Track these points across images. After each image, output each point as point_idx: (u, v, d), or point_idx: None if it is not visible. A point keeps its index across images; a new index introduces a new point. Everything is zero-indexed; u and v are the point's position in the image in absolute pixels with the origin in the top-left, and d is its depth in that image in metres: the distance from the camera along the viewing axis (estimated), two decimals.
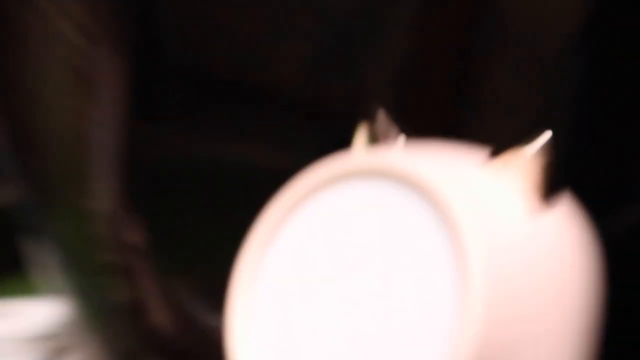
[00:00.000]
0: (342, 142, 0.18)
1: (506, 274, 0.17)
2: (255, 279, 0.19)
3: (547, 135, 0.17)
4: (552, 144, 0.17)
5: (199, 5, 0.23)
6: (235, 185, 0.26)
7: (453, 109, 0.26)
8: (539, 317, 0.17)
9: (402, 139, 0.18)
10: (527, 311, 0.17)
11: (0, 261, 0.30)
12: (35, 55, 0.21)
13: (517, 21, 0.25)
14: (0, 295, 0.28)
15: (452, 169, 0.18)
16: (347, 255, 0.18)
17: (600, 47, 0.24)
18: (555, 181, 0.17)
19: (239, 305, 0.19)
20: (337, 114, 0.24)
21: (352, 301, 0.18)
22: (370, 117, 0.17)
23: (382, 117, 0.17)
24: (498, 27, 0.25)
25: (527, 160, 0.17)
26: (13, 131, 0.22)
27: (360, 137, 0.18)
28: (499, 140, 0.18)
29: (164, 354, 0.24)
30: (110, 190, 0.21)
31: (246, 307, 0.19)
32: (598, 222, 0.19)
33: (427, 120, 0.25)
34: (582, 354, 0.18)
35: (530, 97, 0.25)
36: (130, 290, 0.22)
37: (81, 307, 0.23)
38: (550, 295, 0.17)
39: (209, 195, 0.27)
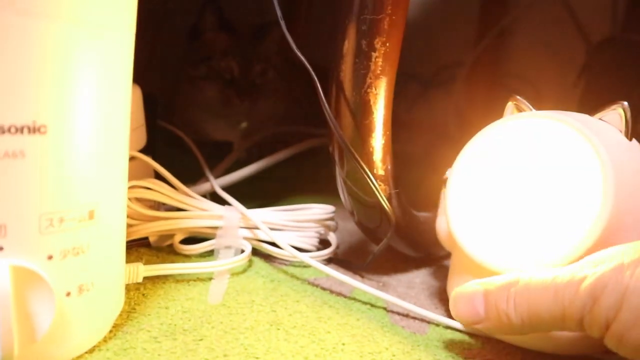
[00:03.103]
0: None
1: (621, 170, 0.24)
2: (462, 180, 0.29)
3: (625, 102, 0.26)
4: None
5: None
6: None
7: None
8: (636, 195, 0.24)
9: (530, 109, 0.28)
10: (631, 191, 0.24)
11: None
12: (348, 63, 0.31)
13: None
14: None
15: (575, 116, 0.26)
16: (523, 160, 0.26)
17: None
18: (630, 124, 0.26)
19: (453, 197, 0.29)
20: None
21: (526, 188, 0.26)
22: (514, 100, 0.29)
23: (520, 100, 0.29)
24: None
25: (622, 112, 0.26)
26: (332, 106, 0.33)
27: (510, 108, 0.29)
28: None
29: (395, 229, 0.33)
30: (382, 137, 0.32)
31: (456, 199, 0.29)
32: None
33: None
34: None
35: None
36: (386, 191, 0.33)
37: (356, 201, 0.34)
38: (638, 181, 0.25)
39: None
